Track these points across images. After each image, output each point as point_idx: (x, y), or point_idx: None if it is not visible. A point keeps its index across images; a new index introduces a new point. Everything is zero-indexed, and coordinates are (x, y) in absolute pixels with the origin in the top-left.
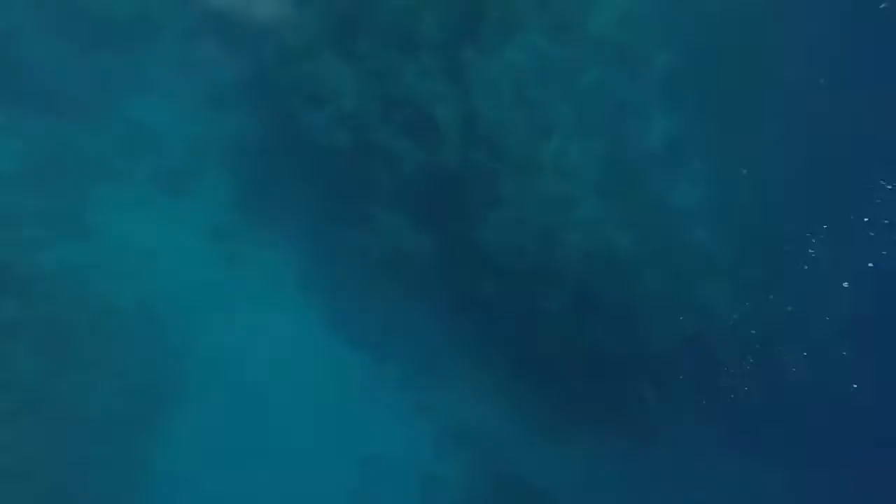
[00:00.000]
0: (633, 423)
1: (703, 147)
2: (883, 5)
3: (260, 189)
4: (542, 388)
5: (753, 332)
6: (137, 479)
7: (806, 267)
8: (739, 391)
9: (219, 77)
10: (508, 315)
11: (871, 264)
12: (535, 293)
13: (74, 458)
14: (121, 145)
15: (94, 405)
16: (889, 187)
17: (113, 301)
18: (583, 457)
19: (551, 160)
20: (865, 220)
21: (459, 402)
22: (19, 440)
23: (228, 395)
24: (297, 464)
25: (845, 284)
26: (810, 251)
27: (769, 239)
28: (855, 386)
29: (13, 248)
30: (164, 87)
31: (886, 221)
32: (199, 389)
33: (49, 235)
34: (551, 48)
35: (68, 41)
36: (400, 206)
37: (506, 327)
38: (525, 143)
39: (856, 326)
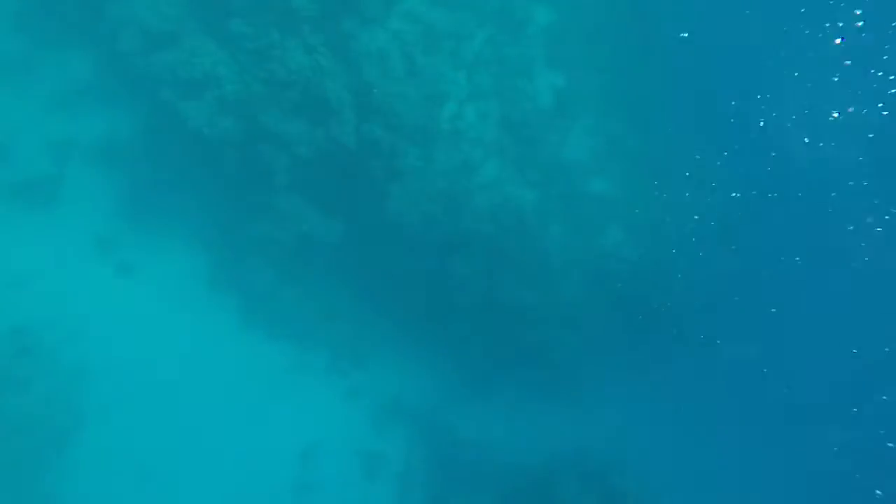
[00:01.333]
0: (553, 366)
1: (589, 100)
2: None
3: (144, 190)
4: (466, 350)
5: (652, 267)
6: None
7: (687, 194)
8: (646, 324)
9: (70, 74)
10: (425, 285)
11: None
12: (448, 259)
13: None
14: None
15: None
16: (732, 121)
17: None
18: (511, 407)
19: (448, 126)
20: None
21: (389, 379)
22: None
23: (146, 411)
24: (235, 466)
25: (735, 194)
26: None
27: (657, 179)
28: (737, 299)
29: None
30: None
31: (725, 153)
32: (107, 413)
33: None
34: (434, 14)
35: None
36: (302, 191)
37: (424, 297)
38: (420, 111)
39: (738, 233)
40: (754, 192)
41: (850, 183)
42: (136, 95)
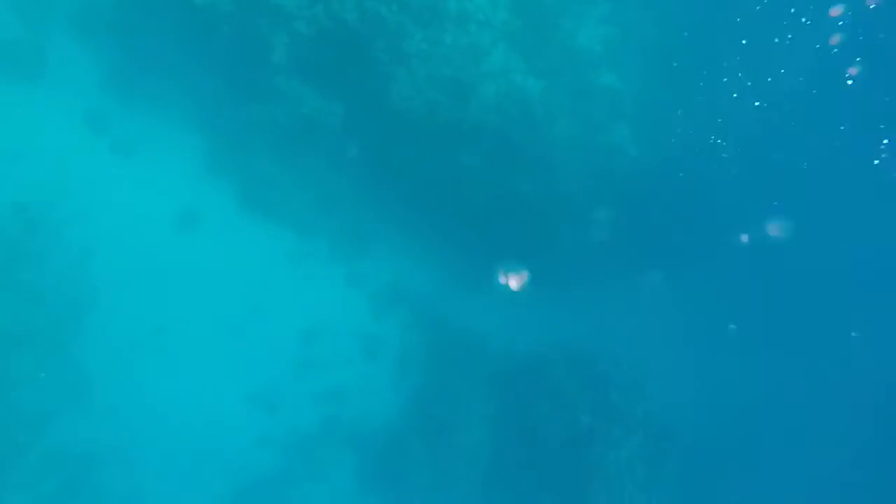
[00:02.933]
0: (550, 259)
1: None
2: None
3: (132, 64)
4: (465, 240)
5: (656, 166)
6: (75, 380)
7: (701, 97)
8: (644, 222)
9: None
10: (428, 173)
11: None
12: (452, 148)
13: (13, 376)
14: None
15: (6, 319)
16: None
17: None
18: (506, 297)
19: (456, 6)
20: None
21: (388, 266)
22: None
23: (148, 288)
24: (238, 342)
25: (756, 103)
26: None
27: (672, 75)
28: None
29: None
30: None
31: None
32: (116, 289)
33: None
34: None
35: None
36: (302, 72)
37: (426, 186)
38: None
39: (752, 143)
40: (765, 104)
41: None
42: None
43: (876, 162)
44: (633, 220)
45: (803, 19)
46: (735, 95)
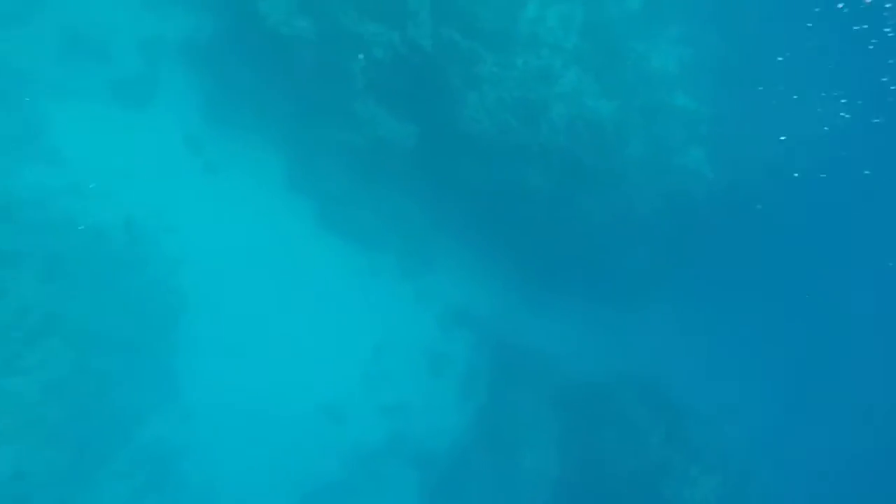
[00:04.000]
0: (622, 283)
1: (681, 4)
2: None
3: (226, 90)
4: (534, 261)
5: (729, 188)
6: (163, 381)
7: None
8: (719, 248)
9: None
10: (497, 194)
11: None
12: (521, 169)
13: (102, 371)
14: (61, 55)
15: (109, 324)
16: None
17: (99, 223)
18: (576, 320)
19: (528, 30)
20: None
21: (457, 284)
22: (46, 361)
23: (230, 298)
24: (311, 355)
25: (826, 128)
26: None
27: (745, 98)
28: None
29: None
30: None
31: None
32: (202, 299)
33: (14, 162)
34: None
35: None
36: (377, 95)
37: (496, 206)
38: (500, 14)
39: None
40: (850, 121)
41: None
42: None
43: None
44: (709, 244)
45: None
46: (826, 129)
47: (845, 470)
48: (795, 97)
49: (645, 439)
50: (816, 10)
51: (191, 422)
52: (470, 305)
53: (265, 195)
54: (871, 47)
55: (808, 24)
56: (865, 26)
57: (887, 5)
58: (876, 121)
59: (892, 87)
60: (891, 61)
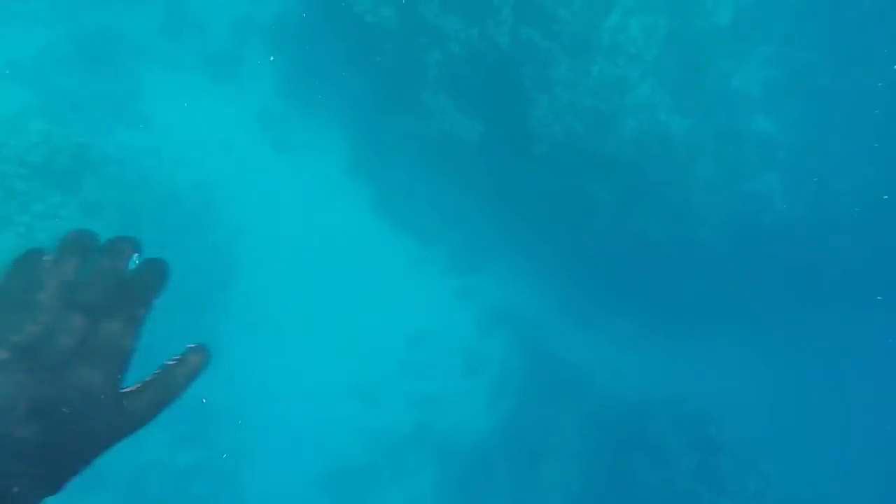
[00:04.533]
0: (671, 307)
1: (776, 25)
2: None
3: (305, 73)
4: (585, 273)
5: (801, 220)
6: (209, 341)
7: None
8: (782, 282)
9: None
10: (557, 200)
11: None
12: (584, 178)
13: (159, 325)
14: (164, 28)
15: (178, 284)
16: None
17: (172, 186)
18: (618, 338)
19: (609, 39)
20: None
21: (502, 285)
22: None
23: (282, 272)
24: (350, 337)
25: None
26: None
27: (832, 129)
28: None
29: (85, 130)
30: None
31: None
32: (255, 269)
33: (109, 121)
34: None
35: None
36: (448, 89)
37: (552, 213)
38: (582, 20)
39: None
40: None
41: None
42: None
43: None
44: (772, 279)
45: None
46: None
47: None
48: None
49: (674, 467)
50: None
51: (229, 385)
52: (513, 309)
53: (328, 176)
54: None
55: None
56: None
57: None
58: None
59: None
60: None
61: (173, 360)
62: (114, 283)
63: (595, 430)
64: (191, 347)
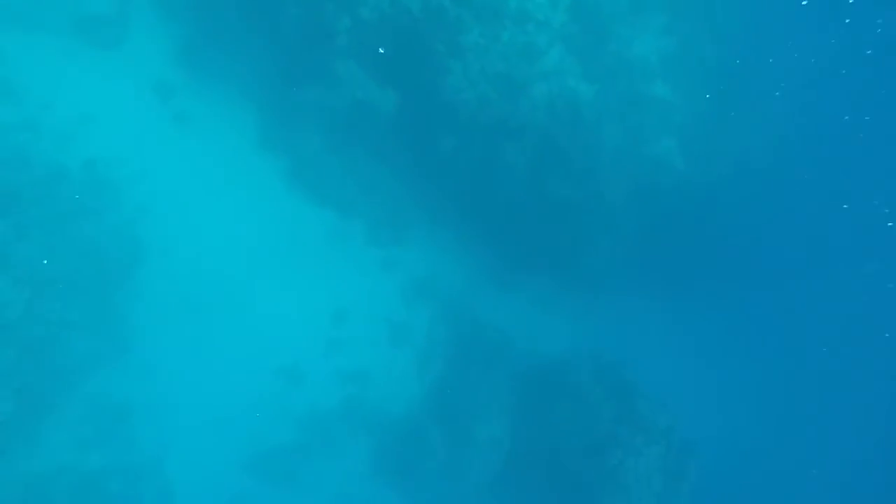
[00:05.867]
0: (583, 266)
1: None
2: None
3: (204, 39)
4: (501, 238)
5: (699, 180)
6: (118, 332)
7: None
8: (680, 238)
9: None
10: (471, 167)
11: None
12: (497, 144)
13: (53, 317)
14: None
15: (62, 266)
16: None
17: (58, 163)
18: (535, 299)
19: (517, 4)
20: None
21: (422, 256)
22: None
23: (193, 253)
24: (273, 315)
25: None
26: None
27: (725, 93)
28: None
29: None
30: None
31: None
32: (163, 251)
33: None
34: None
35: None
36: (360, 56)
37: (468, 180)
38: None
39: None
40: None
41: None
42: None
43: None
44: (673, 235)
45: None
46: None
47: (776, 453)
48: (778, 94)
49: (596, 414)
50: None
51: (144, 376)
52: (435, 278)
53: (236, 150)
54: (868, 52)
55: (783, 24)
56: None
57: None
58: (867, 118)
59: (882, 91)
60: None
61: None
62: None
63: (520, 386)
64: None
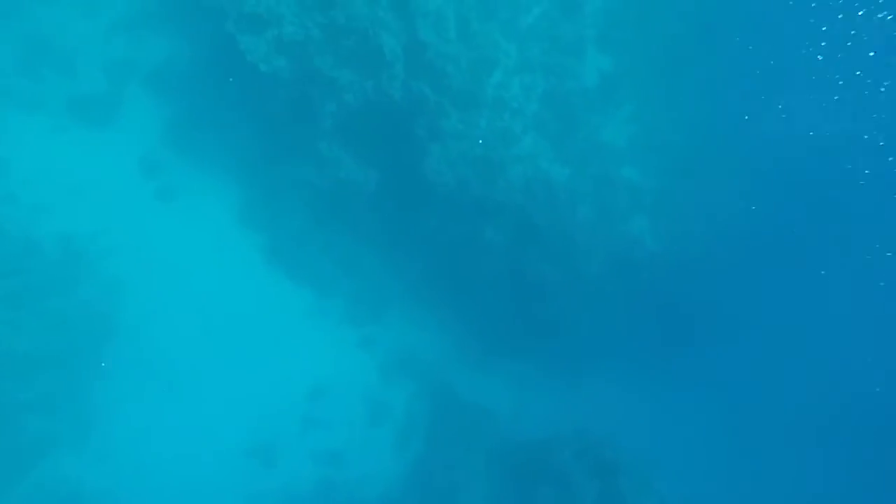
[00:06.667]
0: (563, 343)
1: (634, 87)
2: None
3: (192, 119)
4: (481, 316)
5: (673, 260)
6: (78, 412)
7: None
8: (658, 313)
9: None
10: (450, 247)
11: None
12: (476, 225)
13: (11, 396)
14: (23, 64)
15: (26, 342)
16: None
17: (32, 237)
18: (516, 377)
19: (493, 94)
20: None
21: (402, 334)
22: None
23: (166, 329)
24: (246, 395)
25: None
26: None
27: (690, 175)
28: None
29: None
30: (69, 2)
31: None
32: (136, 327)
33: None
34: None
35: None
36: (343, 138)
37: (447, 259)
38: (468, 76)
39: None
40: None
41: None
42: (199, 24)
43: None
44: (651, 310)
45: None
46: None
47: None
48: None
49: (580, 496)
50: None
51: (103, 461)
52: (414, 356)
53: (216, 226)
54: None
55: (746, 117)
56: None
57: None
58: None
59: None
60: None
61: None
62: None
63: (501, 467)
64: None
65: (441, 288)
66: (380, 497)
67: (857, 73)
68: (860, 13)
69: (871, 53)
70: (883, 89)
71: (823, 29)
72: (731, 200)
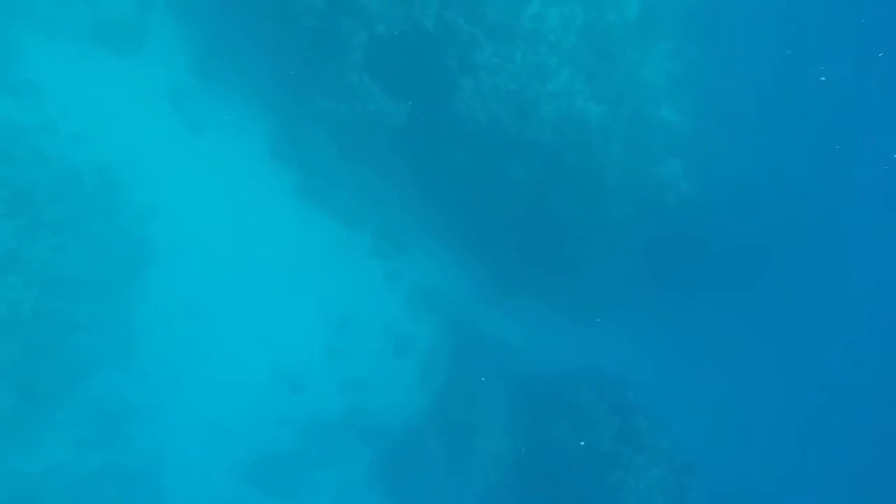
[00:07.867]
0: (586, 283)
1: (677, 21)
2: None
3: (220, 48)
4: (506, 253)
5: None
6: (121, 334)
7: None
8: (683, 257)
9: None
10: (480, 183)
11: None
12: (505, 161)
13: (60, 316)
14: None
15: (71, 266)
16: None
17: (72, 165)
18: (539, 314)
19: (529, 26)
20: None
21: (427, 268)
22: (3, 298)
23: (200, 257)
24: (275, 321)
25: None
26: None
27: (728, 118)
28: None
29: None
30: None
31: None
32: (171, 255)
33: None
34: None
35: None
36: (374, 70)
37: (476, 195)
38: (504, 6)
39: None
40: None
41: None
42: None
43: None
44: (677, 253)
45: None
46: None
47: (783, 472)
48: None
49: (598, 431)
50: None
51: (145, 379)
52: (439, 290)
53: (246, 158)
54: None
55: (788, 51)
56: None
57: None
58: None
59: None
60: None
61: None
62: None
63: (522, 400)
64: None
65: (468, 224)
66: (403, 425)
67: None
68: None
69: None
70: None
71: None
72: (769, 148)
